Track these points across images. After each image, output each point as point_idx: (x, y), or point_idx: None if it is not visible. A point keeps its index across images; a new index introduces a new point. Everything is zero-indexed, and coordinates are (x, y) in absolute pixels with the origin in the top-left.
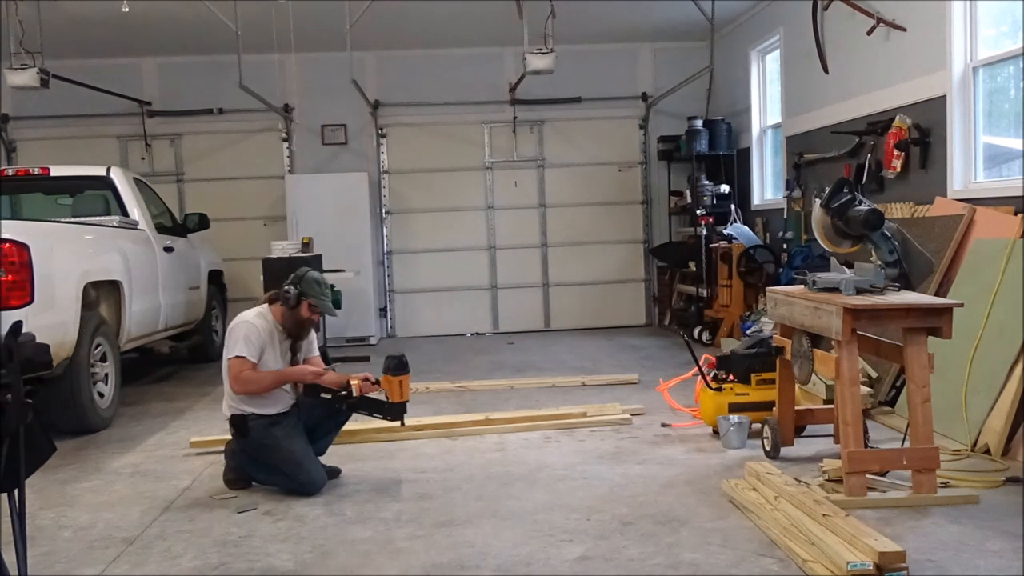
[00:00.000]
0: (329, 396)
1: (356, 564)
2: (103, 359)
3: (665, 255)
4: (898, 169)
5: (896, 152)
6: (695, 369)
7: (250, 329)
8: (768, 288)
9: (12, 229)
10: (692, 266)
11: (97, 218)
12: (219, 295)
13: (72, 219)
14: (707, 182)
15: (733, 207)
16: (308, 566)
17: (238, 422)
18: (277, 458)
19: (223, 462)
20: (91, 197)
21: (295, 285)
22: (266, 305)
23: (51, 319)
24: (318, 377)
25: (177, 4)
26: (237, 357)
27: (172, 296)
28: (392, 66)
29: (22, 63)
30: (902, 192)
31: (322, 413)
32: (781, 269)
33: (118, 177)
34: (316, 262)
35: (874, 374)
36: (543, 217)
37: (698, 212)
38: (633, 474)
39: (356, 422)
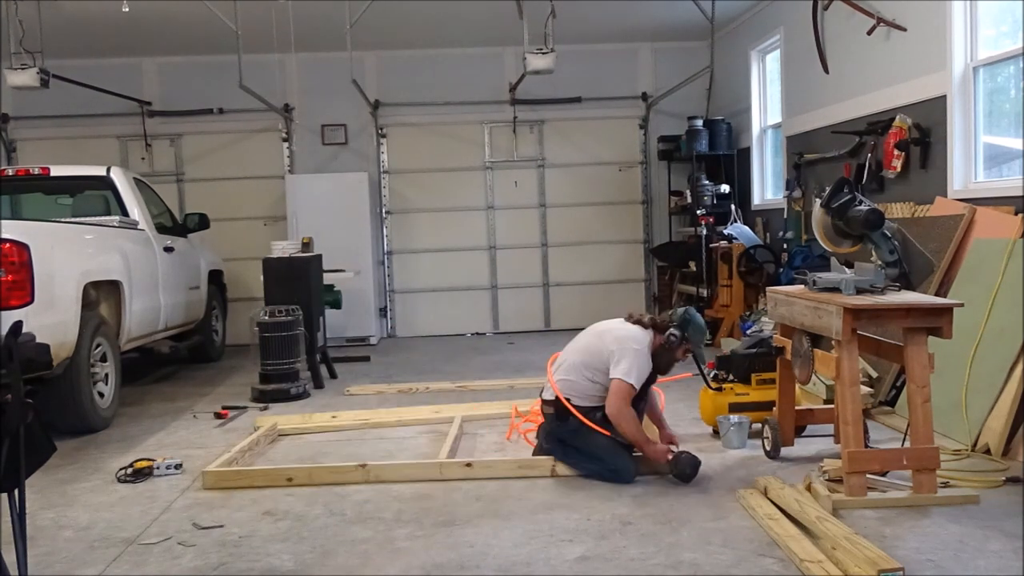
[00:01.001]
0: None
1: (356, 564)
2: (103, 359)
3: (665, 255)
4: (898, 169)
5: (896, 152)
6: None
7: (646, 360)
8: (768, 288)
9: (12, 229)
10: (692, 266)
11: (97, 218)
12: (219, 295)
13: (72, 219)
14: (707, 182)
15: (733, 207)
16: (308, 566)
17: (561, 407)
18: (593, 444)
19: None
20: (91, 197)
21: (682, 329)
22: (651, 332)
23: (51, 319)
24: (658, 456)
25: (177, 4)
26: (631, 385)
27: (172, 296)
28: (392, 66)
29: (22, 63)
30: (902, 192)
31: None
32: (781, 269)
33: (118, 177)
34: (316, 262)
35: (874, 374)
36: (543, 217)
37: (698, 212)
38: None
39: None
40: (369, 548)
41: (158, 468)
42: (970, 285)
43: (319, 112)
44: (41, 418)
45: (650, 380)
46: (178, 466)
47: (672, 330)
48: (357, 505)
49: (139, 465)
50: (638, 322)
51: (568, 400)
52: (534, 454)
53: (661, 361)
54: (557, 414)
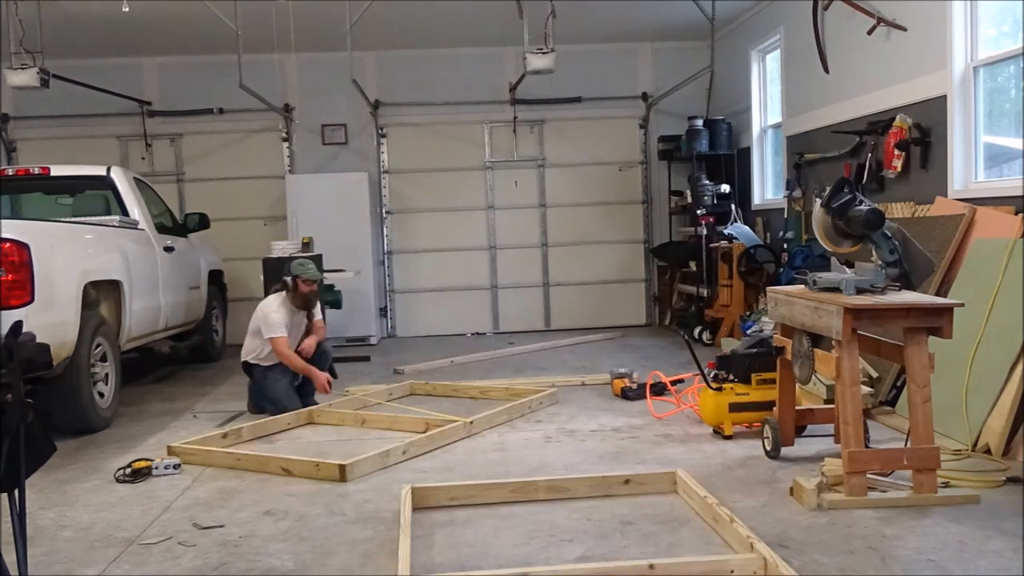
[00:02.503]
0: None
1: (356, 564)
2: (103, 359)
3: (665, 255)
4: (899, 169)
5: (896, 152)
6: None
7: (278, 316)
8: (768, 288)
9: (12, 228)
10: (692, 266)
11: (97, 218)
12: (219, 295)
13: (72, 219)
14: (707, 182)
15: (733, 207)
16: (308, 566)
17: (247, 368)
18: (269, 393)
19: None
20: (91, 197)
21: (288, 274)
22: (282, 293)
23: (51, 319)
24: (319, 378)
25: (177, 4)
26: (278, 336)
27: (172, 296)
28: (392, 66)
29: (22, 63)
30: (903, 192)
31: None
32: (781, 269)
33: (118, 177)
34: (316, 262)
35: (874, 374)
36: (543, 217)
37: (698, 212)
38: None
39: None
40: (369, 548)
41: (156, 468)
42: (970, 285)
43: (319, 112)
44: (41, 418)
45: (308, 317)
46: (176, 466)
47: (283, 279)
48: (357, 505)
49: (137, 465)
50: (276, 291)
51: (247, 362)
52: (248, 407)
53: (298, 301)
54: (248, 374)
